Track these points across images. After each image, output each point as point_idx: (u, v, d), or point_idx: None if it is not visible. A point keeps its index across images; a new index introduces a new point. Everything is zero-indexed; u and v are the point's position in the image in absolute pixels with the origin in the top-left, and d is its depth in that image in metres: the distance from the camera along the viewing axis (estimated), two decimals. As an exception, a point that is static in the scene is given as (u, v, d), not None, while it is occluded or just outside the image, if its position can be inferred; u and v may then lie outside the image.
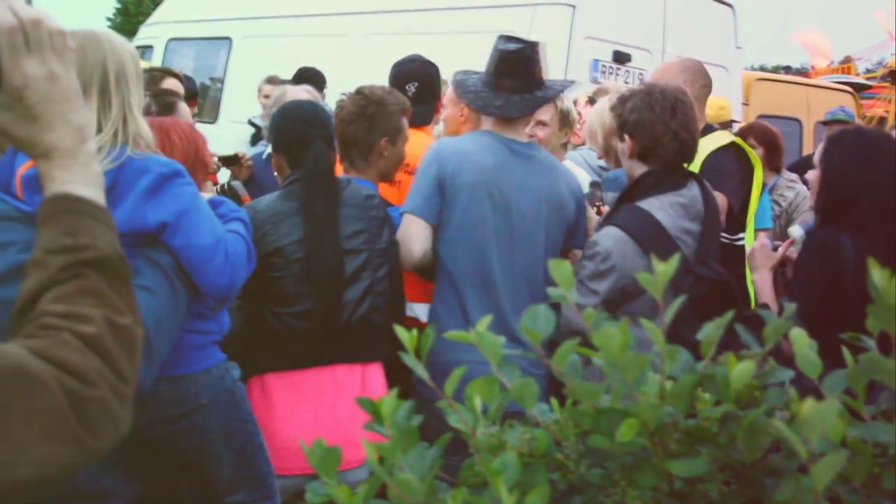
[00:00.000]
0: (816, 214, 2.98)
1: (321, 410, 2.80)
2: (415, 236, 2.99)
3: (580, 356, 1.03)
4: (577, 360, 1.01)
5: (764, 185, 4.34)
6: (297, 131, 2.89)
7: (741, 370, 0.93)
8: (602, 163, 3.94)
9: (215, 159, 4.21)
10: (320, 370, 2.82)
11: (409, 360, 1.03)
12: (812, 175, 2.97)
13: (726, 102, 4.59)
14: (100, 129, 1.99)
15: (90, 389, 0.94)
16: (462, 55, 5.09)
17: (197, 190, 2.21)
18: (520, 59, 2.96)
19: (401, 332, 1.03)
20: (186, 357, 2.31)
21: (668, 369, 0.99)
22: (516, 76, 2.96)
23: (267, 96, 6.23)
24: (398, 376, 2.95)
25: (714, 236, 2.91)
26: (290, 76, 5.98)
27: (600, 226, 2.87)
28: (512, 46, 2.97)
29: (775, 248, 3.17)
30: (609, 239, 2.75)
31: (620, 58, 5.55)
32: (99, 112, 2.01)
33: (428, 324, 3.18)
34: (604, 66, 5.49)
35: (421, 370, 1.03)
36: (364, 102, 3.14)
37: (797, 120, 7.75)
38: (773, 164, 5.13)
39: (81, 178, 1.08)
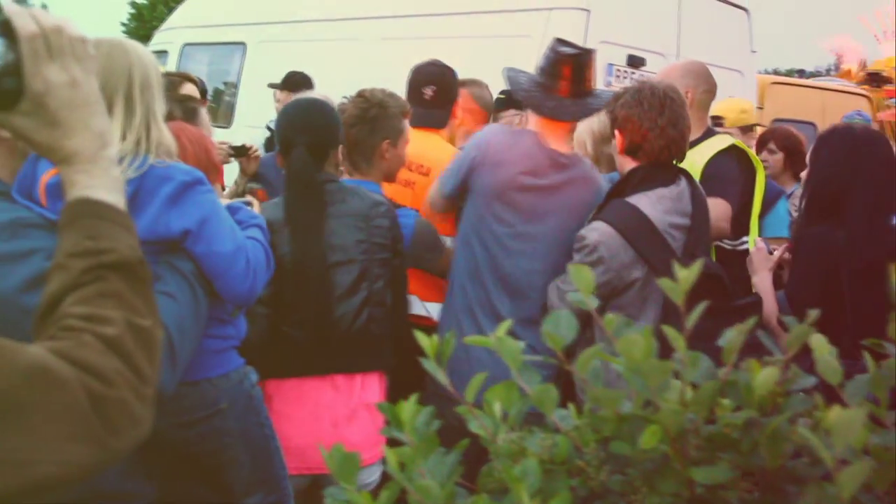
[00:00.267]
0: (804, 211, 3.05)
1: (319, 412, 2.83)
2: (432, 191, 3.28)
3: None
4: (598, 367, 1.00)
5: (782, 192, 4.32)
6: (283, 135, 2.91)
7: (765, 377, 0.92)
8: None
9: (226, 147, 4.23)
10: (320, 379, 2.85)
11: (429, 365, 1.03)
12: (804, 174, 3.06)
13: (748, 105, 4.54)
14: (123, 138, 2.01)
15: (111, 390, 0.95)
16: (476, 59, 5.11)
17: (217, 197, 2.22)
18: (577, 63, 2.98)
19: (421, 337, 1.03)
20: (206, 361, 2.33)
21: (690, 376, 0.98)
22: (571, 80, 2.98)
23: (280, 101, 6.31)
24: (403, 386, 2.99)
25: (703, 231, 2.95)
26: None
27: (590, 220, 2.89)
28: (570, 50, 2.99)
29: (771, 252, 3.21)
30: (596, 233, 2.80)
31: (635, 62, 5.53)
32: (123, 120, 2.03)
33: (438, 322, 3.20)
34: (618, 70, 5.47)
35: (441, 375, 1.02)
36: (366, 105, 3.16)
37: (812, 124, 7.71)
38: (794, 169, 5.02)
39: (102, 183, 1.10)
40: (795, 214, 4.99)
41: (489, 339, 1.07)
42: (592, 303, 1.07)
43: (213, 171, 2.66)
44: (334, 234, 2.83)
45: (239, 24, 8.05)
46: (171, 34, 8.99)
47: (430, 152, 3.49)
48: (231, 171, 4.57)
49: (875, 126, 7.72)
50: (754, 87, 6.54)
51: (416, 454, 0.96)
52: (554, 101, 2.98)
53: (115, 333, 0.99)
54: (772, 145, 4.92)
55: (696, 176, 3.30)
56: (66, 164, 1.10)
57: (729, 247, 3.38)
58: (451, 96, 3.81)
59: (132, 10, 31.81)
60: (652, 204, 2.82)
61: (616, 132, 2.92)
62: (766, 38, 6.61)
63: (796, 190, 5.11)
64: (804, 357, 1.01)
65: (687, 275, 0.98)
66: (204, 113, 3.35)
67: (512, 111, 4.26)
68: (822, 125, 8.11)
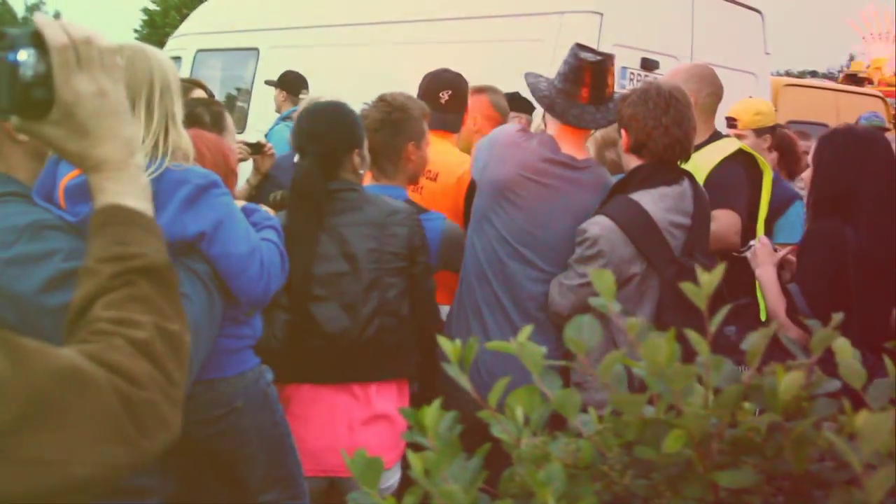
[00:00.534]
0: (808, 209, 3.13)
1: (335, 416, 2.86)
2: None
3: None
4: (622, 371, 1.00)
5: (796, 196, 4.27)
6: (297, 144, 2.94)
7: (790, 380, 0.92)
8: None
9: (242, 145, 4.26)
10: (336, 386, 2.88)
11: (452, 370, 1.03)
12: (807, 174, 3.13)
13: (765, 107, 4.46)
14: (142, 141, 2.03)
15: (142, 392, 0.97)
16: (488, 63, 5.12)
17: (232, 200, 2.24)
18: (599, 69, 2.99)
19: (444, 341, 1.03)
20: (222, 361, 2.36)
21: (713, 379, 0.98)
22: (593, 87, 2.98)
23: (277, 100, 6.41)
24: (424, 394, 3.02)
25: (702, 232, 2.98)
26: (317, 86, 6.02)
27: (592, 215, 2.92)
28: (592, 57, 2.99)
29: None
30: (598, 227, 2.83)
31: (648, 65, 5.53)
32: (143, 124, 2.05)
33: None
34: (632, 73, 5.47)
35: (464, 380, 1.03)
36: (388, 109, 3.18)
37: (826, 126, 7.67)
38: (788, 169, 5.04)
39: (131, 190, 1.12)
40: None
41: (511, 345, 1.07)
42: (615, 307, 1.07)
43: (232, 177, 2.68)
44: (346, 242, 2.83)
45: (252, 30, 8.08)
46: (185, 40, 9.03)
47: (438, 157, 3.52)
48: (244, 170, 4.60)
49: (891, 127, 7.69)
50: (768, 90, 6.52)
51: (440, 459, 0.96)
52: (577, 108, 3.00)
53: (144, 337, 1.00)
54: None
55: (701, 179, 3.32)
56: (95, 171, 1.12)
57: (736, 253, 3.39)
58: (465, 101, 3.89)
59: (145, 17, 32.03)
60: (654, 201, 2.86)
61: (622, 131, 2.97)
62: (777, 38, 6.57)
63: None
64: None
65: (710, 279, 0.98)
66: (229, 117, 3.39)
67: (513, 114, 4.30)
68: (837, 127, 8.08)
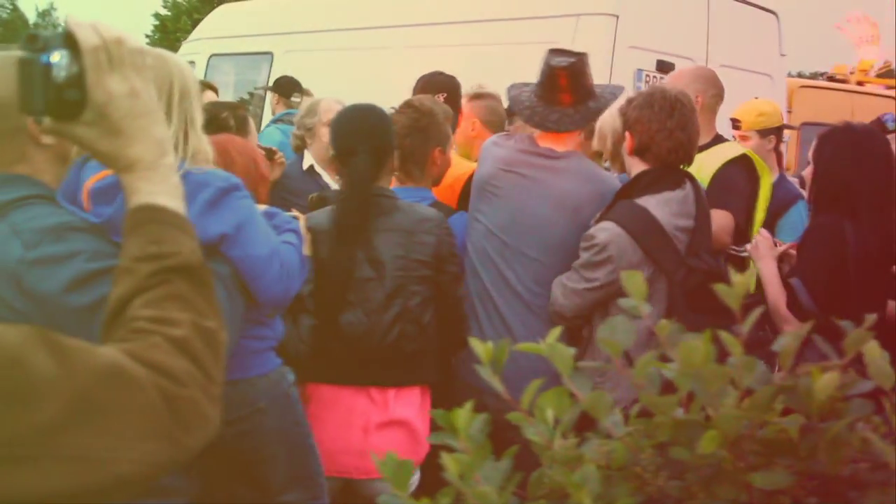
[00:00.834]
0: (810, 206, 3.22)
1: (352, 419, 2.88)
2: None
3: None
4: (655, 373, 1.00)
5: (798, 196, 4.26)
6: (343, 141, 2.95)
7: (826, 381, 0.91)
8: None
9: None
10: (355, 389, 2.89)
11: (484, 372, 1.03)
12: (807, 171, 3.19)
13: (769, 108, 4.45)
14: None
15: (183, 389, 0.97)
16: (504, 67, 5.12)
17: (253, 203, 2.26)
18: (573, 72, 3.01)
19: (476, 343, 1.03)
20: (245, 362, 2.39)
21: (746, 381, 0.98)
22: (570, 90, 3.01)
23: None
24: (444, 400, 3.04)
25: (705, 232, 3.01)
26: (330, 89, 6.04)
27: (597, 220, 2.94)
28: (563, 61, 3.01)
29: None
30: (606, 233, 2.84)
31: (664, 67, 5.51)
32: None
33: None
34: (647, 75, 5.46)
35: (496, 382, 1.03)
36: (416, 115, 3.20)
37: (841, 127, 7.64)
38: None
39: (164, 189, 1.13)
40: None
41: (541, 346, 1.07)
42: (644, 309, 1.07)
43: (262, 183, 2.70)
44: (374, 248, 2.85)
45: (266, 35, 8.10)
46: (198, 45, 9.06)
47: None
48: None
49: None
50: (784, 91, 6.50)
51: (473, 461, 0.96)
52: (556, 113, 3.04)
53: (182, 335, 1.01)
54: None
55: (704, 181, 3.37)
56: (127, 171, 1.12)
57: (733, 252, 3.44)
58: (458, 104, 3.96)
59: (156, 23, 32.14)
60: (659, 206, 2.87)
61: (626, 133, 2.98)
62: (791, 39, 6.54)
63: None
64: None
65: (742, 280, 0.98)
66: (252, 122, 3.41)
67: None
68: (853, 129, 8.03)
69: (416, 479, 2.98)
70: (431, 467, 1.35)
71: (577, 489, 0.89)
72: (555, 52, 3.07)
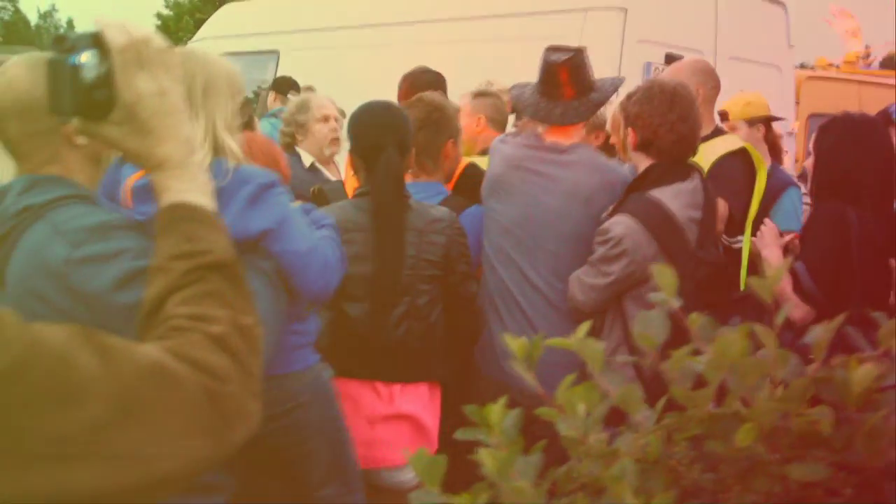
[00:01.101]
0: (812, 196, 3.29)
1: (358, 410, 2.91)
2: None
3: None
4: (689, 366, 1.00)
5: (789, 183, 4.29)
6: (370, 137, 2.96)
7: (863, 373, 0.91)
8: None
9: None
10: (361, 382, 2.93)
11: (518, 367, 1.04)
12: (809, 162, 3.28)
13: (755, 98, 4.53)
14: None
15: (224, 386, 0.98)
16: (512, 63, 5.12)
17: (291, 198, 2.26)
18: (572, 67, 3.05)
19: (510, 340, 1.03)
20: (287, 357, 2.40)
21: (780, 373, 0.98)
22: (571, 84, 3.05)
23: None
24: (456, 398, 3.06)
25: (712, 223, 3.06)
26: (337, 87, 6.05)
27: (610, 214, 2.95)
28: (562, 56, 3.06)
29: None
30: (621, 226, 2.86)
31: (673, 60, 5.50)
32: None
33: None
34: (656, 68, 5.45)
35: (530, 378, 1.03)
36: (429, 109, 3.26)
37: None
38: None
39: (194, 187, 1.13)
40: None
41: (571, 342, 1.07)
42: (675, 303, 1.07)
43: (283, 181, 2.71)
44: None
45: (272, 33, 8.10)
46: (203, 45, 9.05)
47: None
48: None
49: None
50: (792, 83, 6.49)
51: (509, 456, 0.97)
52: (560, 107, 3.07)
53: (221, 331, 1.01)
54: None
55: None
56: (157, 170, 1.13)
57: (727, 243, 3.50)
58: None
59: (158, 23, 32.20)
60: (672, 197, 2.90)
61: (628, 129, 3.01)
62: (797, 31, 6.53)
63: None
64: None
65: (776, 273, 0.98)
66: (256, 119, 3.42)
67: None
68: (861, 119, 8.01)
69: (413, 476, 3.01)
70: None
71: (616, 483, 0.89)
72: (552, 49, 3.11)
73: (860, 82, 8.84)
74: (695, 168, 3.04)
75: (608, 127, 3.77)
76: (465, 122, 3.98)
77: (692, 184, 2.96)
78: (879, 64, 10.22)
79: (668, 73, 3.96)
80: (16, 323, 0.83)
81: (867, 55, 10.36)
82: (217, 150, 2.06)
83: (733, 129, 4.29)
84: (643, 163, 3.01)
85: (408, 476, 2.97)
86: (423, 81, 3.98)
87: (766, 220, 3.39)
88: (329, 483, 2.57)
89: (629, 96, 3.03)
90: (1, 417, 0.78)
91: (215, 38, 8.90)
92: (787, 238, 3.26)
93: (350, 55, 6.99)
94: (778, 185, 4.19)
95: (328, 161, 4.63)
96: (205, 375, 0.96)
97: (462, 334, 3.10)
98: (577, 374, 1.06)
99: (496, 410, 1.03)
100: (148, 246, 1.66)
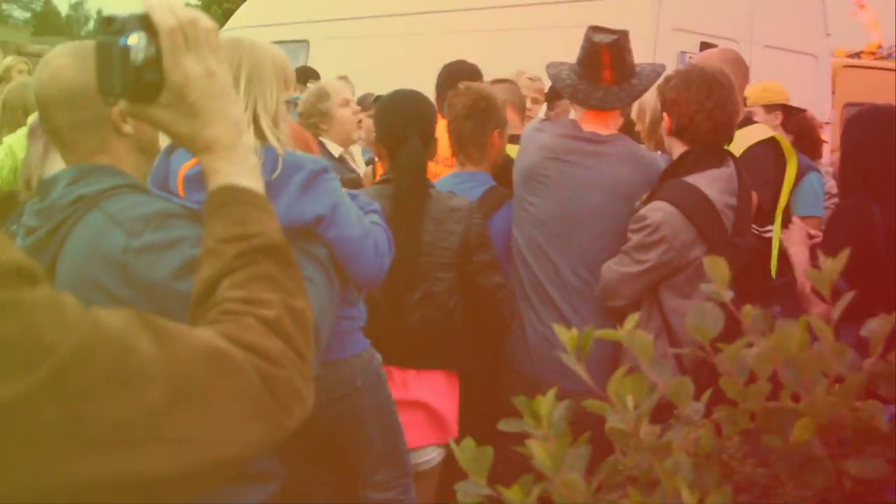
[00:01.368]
0: (839, 189, 3.29)
1: None
2: None
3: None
4: (743, 358, 0.99)
5: (809, 167, 4.24)
6: (395, 126, 2.97)
7: (925, 368, 0.90)
8: None
9: None
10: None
11: (568, 359, 1.02)
12: (836, 156, 3.27)
13: (773, 85, 4.54)
14: None
15: (279, 370, 0.97)
16: (545, 50, 5.08)
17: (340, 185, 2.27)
18: (615, 49, 2.99)
19: (560, 331, 1.02)
20: (341, 342, 2.42)
21: (837, 367, 0.96)
22: (613, 66, 2.99)
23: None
24: (477, 386, 3.06)
25: (747, 210, 3.02)
26: (367, 76, 6.05)
27: (645, 202, 2.92)
28: (606, 38, 3.00)
29: None
30: (659, 213, 2.82)
31: (707, 49, 5.45)
32: None
33: None
34: (691, 57, 5.39)
35: (581, 370, 1.02)
36: (476, 97, 3.25)
37: (887, 107, 7.50)
38: (806, 154, 4.97)
39: (243, 170, 1.12)
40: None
41: (619, 333, 1.06)
42: (727, 295, 1.06)
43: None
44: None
45: (301, 23, 8.10)
46: (233, 34, 9.07)
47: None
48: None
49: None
50: (829, 72, 6.40)
51: (559, 448, 0.96)
52: (600, 91, 3.01)
53: (274, 315, 1.00)
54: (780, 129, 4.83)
55: None
56: (206, 152, 1.12)
57: (757, 232, 3.47)
58: None
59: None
60: (709, 184, 2.86)
61: (664, 114, 2.97)
62: (833, 19, 6.44)
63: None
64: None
65: (833, 265, 0.96)
66: None
67: (565, 100, 4.32)
68: (899, 108, 7.89)
69: (428, 459, 3.02)
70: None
71: (670, 477, 0.88)
72: (596, 29, 3.05)
73: (897, 71, 8.69)
74: (729, 154, 3.01)
75: (633, 115, 3.73)
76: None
77: (728, 170, 2.93)
78: None
79: (699, 59, 3.93)
80: (77, 308, 0.82)
81: (879, 47, 10.29)
82: (263, 137, 2.05)
83: (752, 115, 4.25)
84: (678, 148, 2.98)
85: (422, 458, 3.00)
86: (461, 72, 3.98)
87: (795, 219, 3.38)
88: (381, 468, 2.60)
89: (667, 80, 2.99)
90: (62, 403, 0.77)
91: (244, 28, 8.92)
92: (816, 239, 3.23)
93: (381, 44, 6.98)
94: (798, 170, 4.15)
95: (354, 143, 4.66)
96: (260, 359, 0.95)
97: (485, 325, 3.09)
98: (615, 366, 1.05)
99: (545, 402, 1.02)
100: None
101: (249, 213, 1.09)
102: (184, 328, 0.92)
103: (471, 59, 4.39)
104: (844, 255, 0.96)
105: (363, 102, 5.27)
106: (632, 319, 1.07)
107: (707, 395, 1.05)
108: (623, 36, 3.02)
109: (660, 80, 3.05)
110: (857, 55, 9.00)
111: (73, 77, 1.68)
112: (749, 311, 1.02)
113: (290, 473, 2.08)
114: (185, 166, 1.93)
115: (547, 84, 4.28)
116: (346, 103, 4.48)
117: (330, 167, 2.18)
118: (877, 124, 3.03)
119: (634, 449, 1.00)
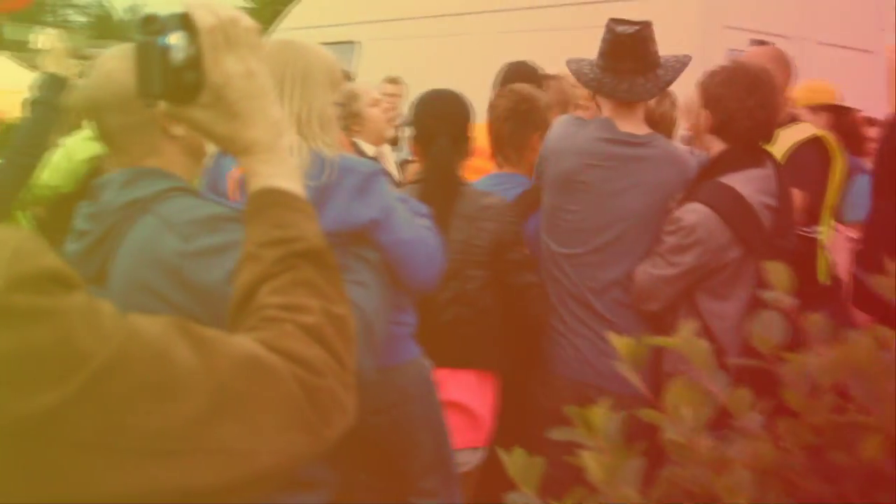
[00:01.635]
0: (873, 188, 3.16)
1: None
2: None
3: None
4: (807, 370, 0.94)
5: (858, 170, 4.15)
6: (426, 125, 2.96)
7: None
8: None
9: None
10: None
11: (624, 368, 0.99)
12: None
13: (820, 85, 4.47)
14: None
15: (319, 378, 0.95)
16: (593, 51, 5.02)
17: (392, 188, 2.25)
18: (638, 40, 2.93)
19: (615, 339, 0.99)
20: (393, 348, 2.38)
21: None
22: (636, 58, 2.93)
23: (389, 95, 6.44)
24: (514, 389, 3.02)
25: (788, 211, 2.93)
26: (416, 77, 6.03)
27: (680, 202, 2.85)
28: (628, 29, 2.94)
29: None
30: (694, 215, 2.76)
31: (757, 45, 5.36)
32: None
33: None
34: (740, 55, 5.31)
35: (635, 378, 0.99)
36: (517, 99, 3.21)
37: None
38: (850, 152, 4.86)
39: (283, 172, 1.10)
40: None
41: (675, 340, 1.03)
42: (787, 300, 1.02)
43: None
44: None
45: (351, 24, 8.12)
46: (283, 36, 9.12)
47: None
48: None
49: None
50: (885, 68, 6.24)
51: (615, 461, 0.92)
52: (626, 82, 2.93)
53: (314, 322, 0.98)
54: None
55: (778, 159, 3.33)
56: (245, 154, 1.10)
57: (803, 233, 3.41)
58: None
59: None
60: (744, 183, 2.79)
61: (704, 111, 2.89)
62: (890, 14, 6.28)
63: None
64: None
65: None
66: None
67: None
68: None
69: (473, 459, 2.98)
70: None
71: (731, 493, 0.84)
72: (618, 21, 2.99)
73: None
74: (768, 154, 2.93)
75: (677, 113, 3.67)
76: None
77: (766, 171, 2.86)
78: None
79: (746, 57, 3.84)
80: (114, 315, 0.81)
81: None
82: (312, 140, 2.04)
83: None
84: (716, 146, 2.91)
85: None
86: (517, 73, 3.95)
87: (839, 227, 3.30)
88: (430, 475, 2.57)
89: (711, 76, 2.92)
90: (99, 414, 0.76)
91: (293, 29, 8.98)
92: (858, 244, 3.17)
93: (430, 45, 6.97)
94: (848, 171, 4.07)
95: (389, 142, 4.67)
96: (300, 368, 0.93)
97: (519, 325, 3.04)
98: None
99: (599, 413, 0.98)
100: None
101: (289, 217, 1.07)
102: (223, 336, 0.90)
103: (521, 59, 4.36)
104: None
105: None
106: (688, 326, 1.04)
107: (766, 406, 1.01)
108: (646, 26, 2.95)
109: (702, 76, 2.98)
110: None
111: (127, 80, 1.67)
112: (815, 319, 0.98)
113: (342, 480, 2.06)
114: (238, 169, 1.93)
115: None
116: (376, 103, 4.48)
117: (382, 171, 2.16)
118: None
119: (692, 462, 0.96)
